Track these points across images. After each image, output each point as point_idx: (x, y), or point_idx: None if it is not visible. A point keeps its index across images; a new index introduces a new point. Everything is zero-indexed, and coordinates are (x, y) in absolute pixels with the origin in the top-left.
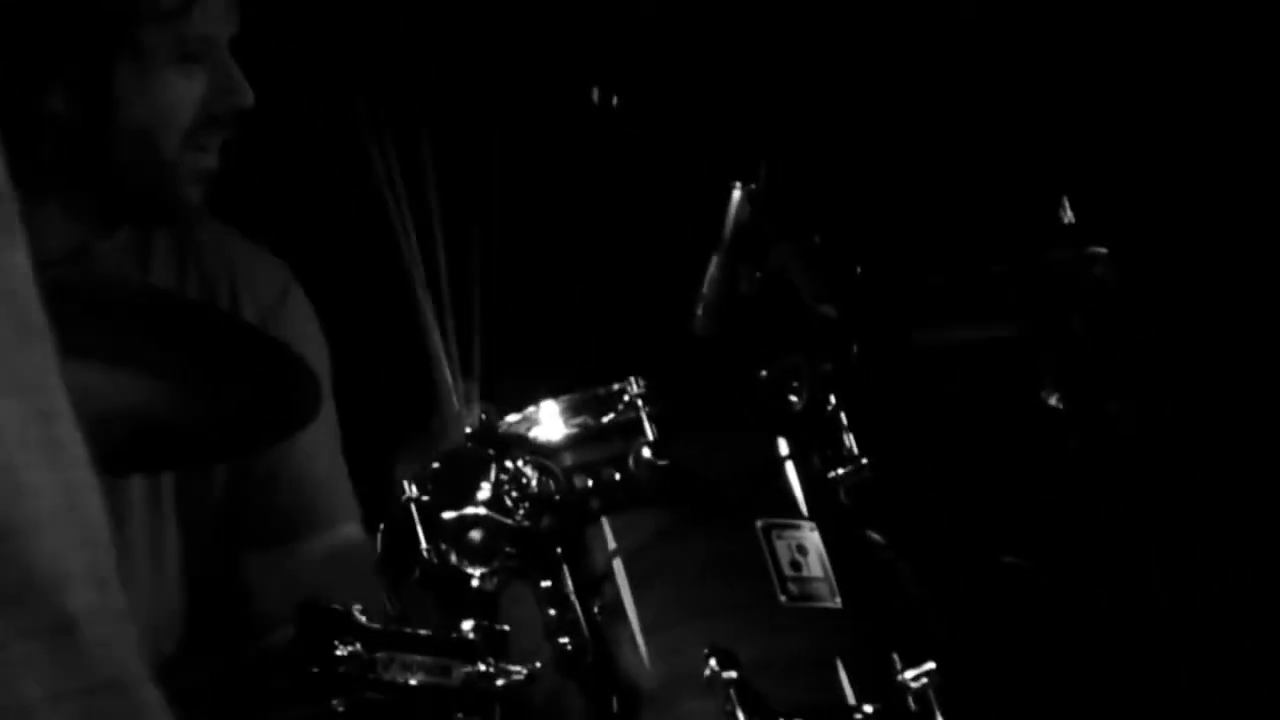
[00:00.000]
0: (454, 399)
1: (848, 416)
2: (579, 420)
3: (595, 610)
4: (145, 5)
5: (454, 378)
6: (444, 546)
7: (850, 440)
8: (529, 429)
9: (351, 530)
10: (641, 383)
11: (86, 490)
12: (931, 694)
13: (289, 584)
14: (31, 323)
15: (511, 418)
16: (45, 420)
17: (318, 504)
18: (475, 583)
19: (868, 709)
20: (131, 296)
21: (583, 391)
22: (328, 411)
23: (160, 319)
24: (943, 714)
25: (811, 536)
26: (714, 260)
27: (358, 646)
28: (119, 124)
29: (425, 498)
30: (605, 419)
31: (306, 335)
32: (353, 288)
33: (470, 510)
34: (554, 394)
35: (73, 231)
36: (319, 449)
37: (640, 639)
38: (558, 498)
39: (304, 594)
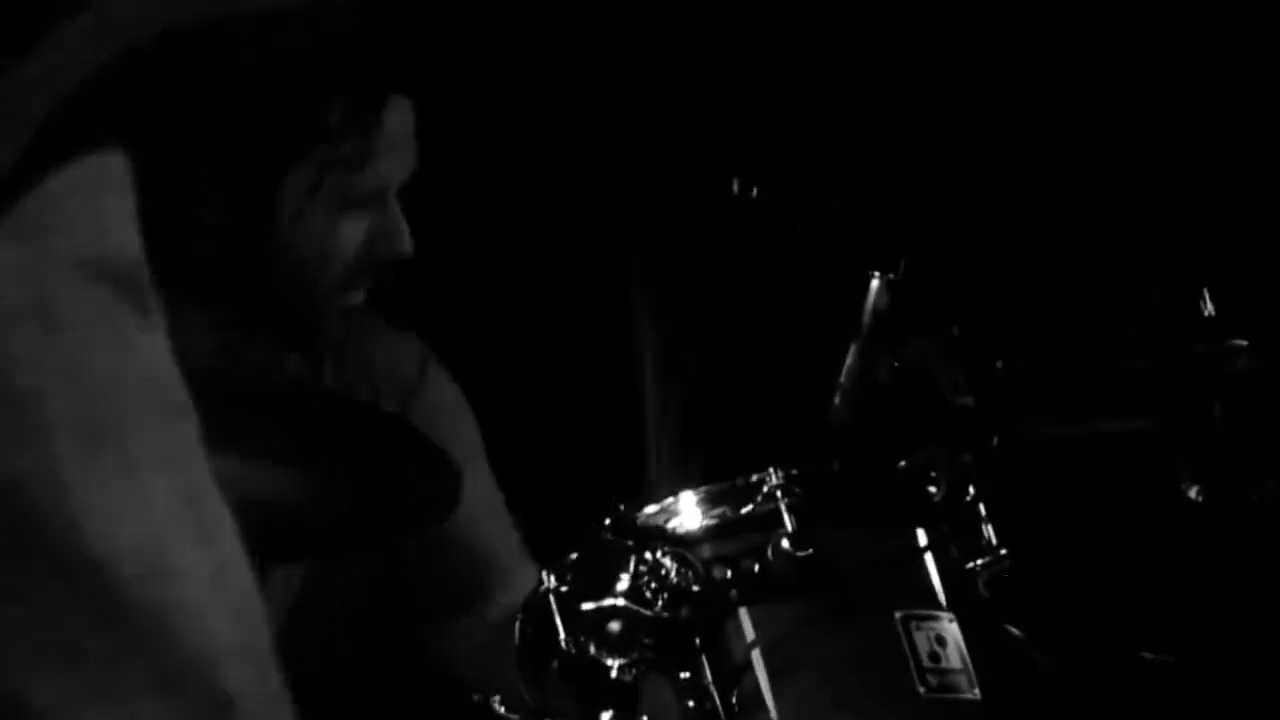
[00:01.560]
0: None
1: (986, 508)
2: (718, 511)
3: (733, 701)
4: (329, 148)
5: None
6: (583, 637)
7: (989, 531)
8: (667, 520)
9: (527, 576)
10: (780, 474)
11: (237, 567)
12: None
13: (484, 649)
14: (176, 402)
15: (650, 509)
16: (193, 498)
17: (492, 568)
18: (614, 674)
19: None
20: (268, 388)
21: (721, 483)
22: (485, 480)
23: (297, 410)
24: None
25: (950, 628)
26: (852, 350)
27: None
28: (278, 252)
29: (564, 588)
30: (744, 510)
31: (444, 409)
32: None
33: (609, 601)
34: (693, 485)
35: (215, 336)
36: (483, 511)
37: None
38: (696, 589)
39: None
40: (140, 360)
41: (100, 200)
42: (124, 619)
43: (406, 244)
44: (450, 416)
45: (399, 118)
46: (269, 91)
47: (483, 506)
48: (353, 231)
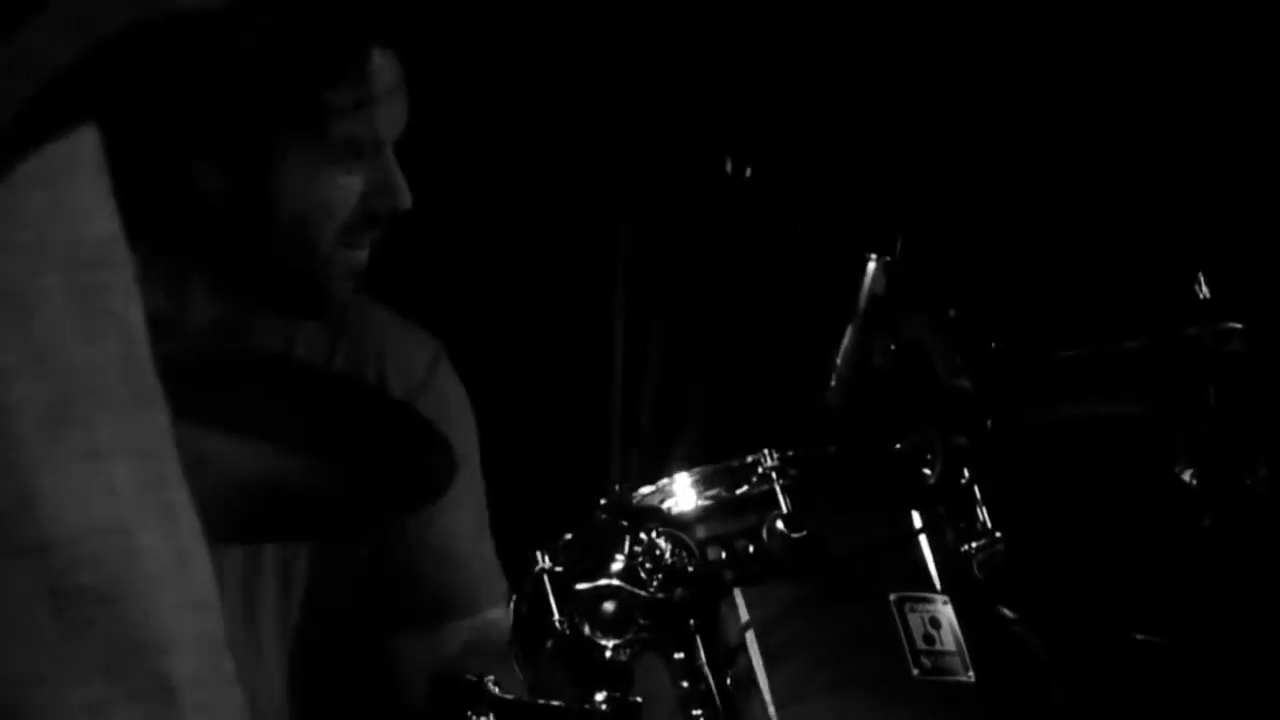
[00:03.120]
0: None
1: (981, 490)
2: (713, 492)
3: (727, 682)
4: (321, 98)
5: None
6: (577, 618)
7: (984, 514)
8: (663, 501)
9: (497, 615)
10: (775, 455)
11: (197, 556)
12: None
13: (429, 669)
14: (147, 386)
15: (645, 490)
16: (159, 484)
17: (464, 587)
18: (608, 654)
19: None
20: (271, 367)
21: (717, 464)
22: (474, 486)
23: (299, 389)
24: None
25: (945, 610)
26: (848, 332)
27: (491, 718)
28: (276, 211)
29: (559, 569)
30: (739, 491)
31: (451, 409)
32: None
33: (604, 582)
34: (688, 466)
35: (219, 309)
36: (464, 526)
37: (772, 712)
38: (691, 570)
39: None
40: (109, 346)
41: (68, 186)
42: (77, 600)
43: (404, 197)
44: (455, 417)
45: (386, 68)
46: (254, 47)
47: (463, 531)
48: (349, 185)
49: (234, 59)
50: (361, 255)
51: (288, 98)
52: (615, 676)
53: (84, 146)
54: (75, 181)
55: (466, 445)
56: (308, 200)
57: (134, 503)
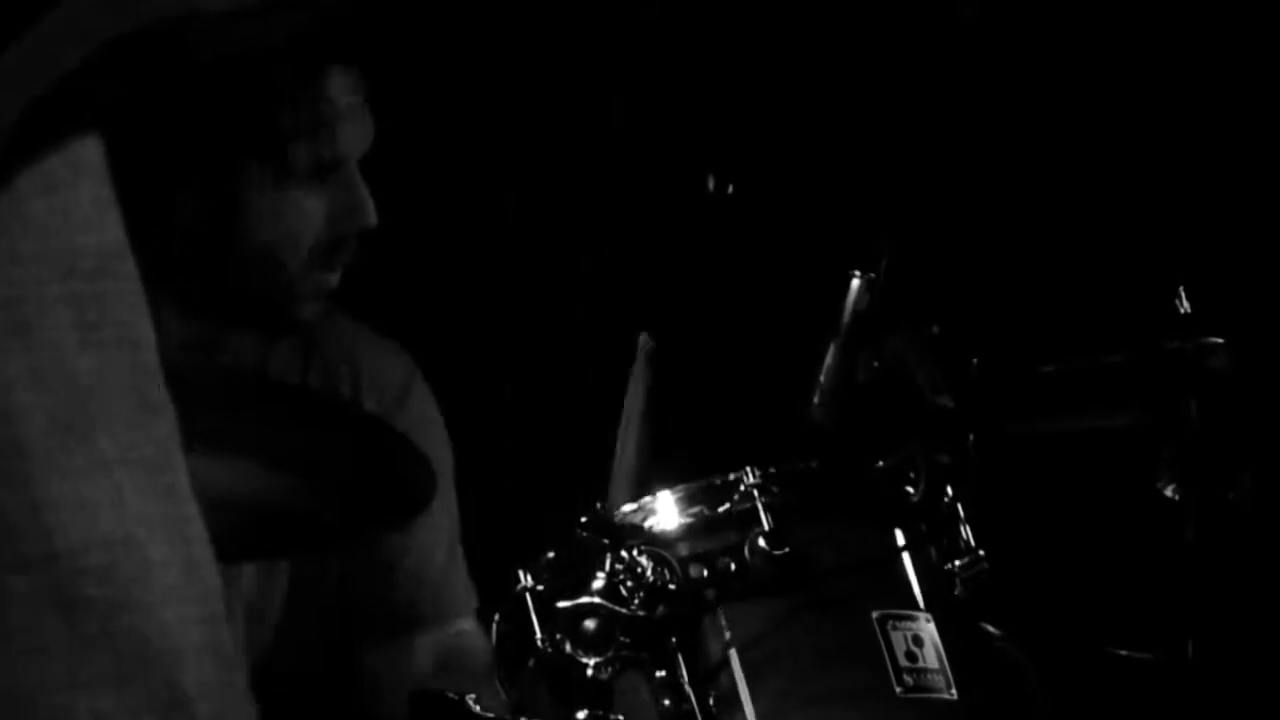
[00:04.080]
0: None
1: (964, 508)
2: (694, 510)
3: (710, 701)
4: (280, 121)
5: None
6: (559, 635)
7: (966, 531)
8: (644, 518)
9: (466, 626)
10: (757, 472)
11: (206, 567)
12: None
13: (403, 680)
14: (154, 397)
15: (627, 507)
16: (167, 496)
17: (435, 598)
18: (590, 672)
19: None
20: (246, 384)
21: (698, 481)
22: (448, 504)
23: (275, 406)
24: None
25: (927, 628)
26: (831, 349)
27: None
28: (242, 234)
29: (540, 587)
30: (721, 509)
31: (427, 427)
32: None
33: (585, 599)
34: (669, 483)
35: (192, 326)
36: (438, 543)
37: None
38: (673, 587)
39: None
40: (115, 357)
41: (70, 195)
42: (88, 611)
43: (370, 216)
44: (430, 434)
45: (346, 86)
46: (224, 77)
47: (435, 541)
48: (315, 207)
49: (225, 70)
50: (332, 277)
51: (247, 120)
52: (597, 695)
53: (87, 154)
54: (78, 190)
55: (441, 460)
56: (273, 224)
57: (141, 514)
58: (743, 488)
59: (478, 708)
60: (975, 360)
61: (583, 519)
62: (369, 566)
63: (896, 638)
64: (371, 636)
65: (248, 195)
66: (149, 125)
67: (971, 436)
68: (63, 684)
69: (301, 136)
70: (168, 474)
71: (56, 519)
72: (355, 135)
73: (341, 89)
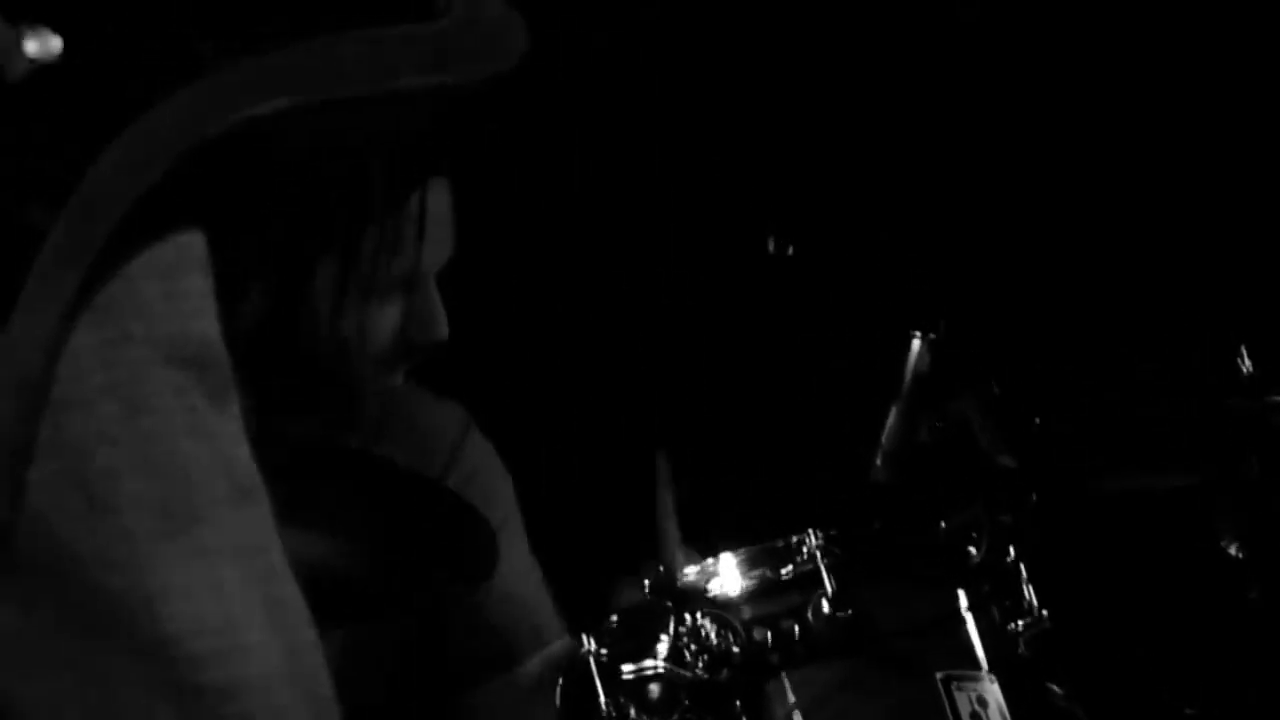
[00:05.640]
0: (671, 546)
1: (1027, 568)
2: (757, 573)
3: None
4: (365, 231)
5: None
6: (623, 700)
7: (1029, 592)
8: (707, 582)
9: (563, 646)
10: (820, 535)
11: (309, 649)
12: None
13: (513, 712)
14: (248, 485)
15: (690, 571)
16: (265, 581)
17: (528, 626)
18: None
19: None
20: (309, 454)
21: (761, 544)
22: (518, 536)
23: (337, 475)
24: None
25: (991, 689)
26: (893, 410)
27: None
28: (314, 343)
29: (604, 651)
30: (784, 571)
31: (482, 475)
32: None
33: (649, 664)
34: (732, 547)
35: (252, 423)
36: (518, 576)
37: None
38: (736, 651)
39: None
40: (214, 444)
41: (179, 283)
42: (198, 696)
43: (442, 329)
44: (489, 481)
45: (438, 200)
46: (313, 177)
47: (517, 572)
48: (388, 317)
49: (315, 170)
50: (396, 379)
51: (331, 225)
52: None
53: (195, 243)
54: (187, 279)
55: (507, 502)
56: (343, 330)
57: (243, 600)
58: (805, 550)
59: None
60: (1037, 420)
61: (646, 582)
62: (455, 616)
63: (961, 699)
64: (481, 677)
65: (322, 299)
66: (231, 220)
67: (1034, 496)
68: None
69: (384, 249)
70: (265, 557)
71: (167, 607)
72: (439, 251)
73: (435, 203)
